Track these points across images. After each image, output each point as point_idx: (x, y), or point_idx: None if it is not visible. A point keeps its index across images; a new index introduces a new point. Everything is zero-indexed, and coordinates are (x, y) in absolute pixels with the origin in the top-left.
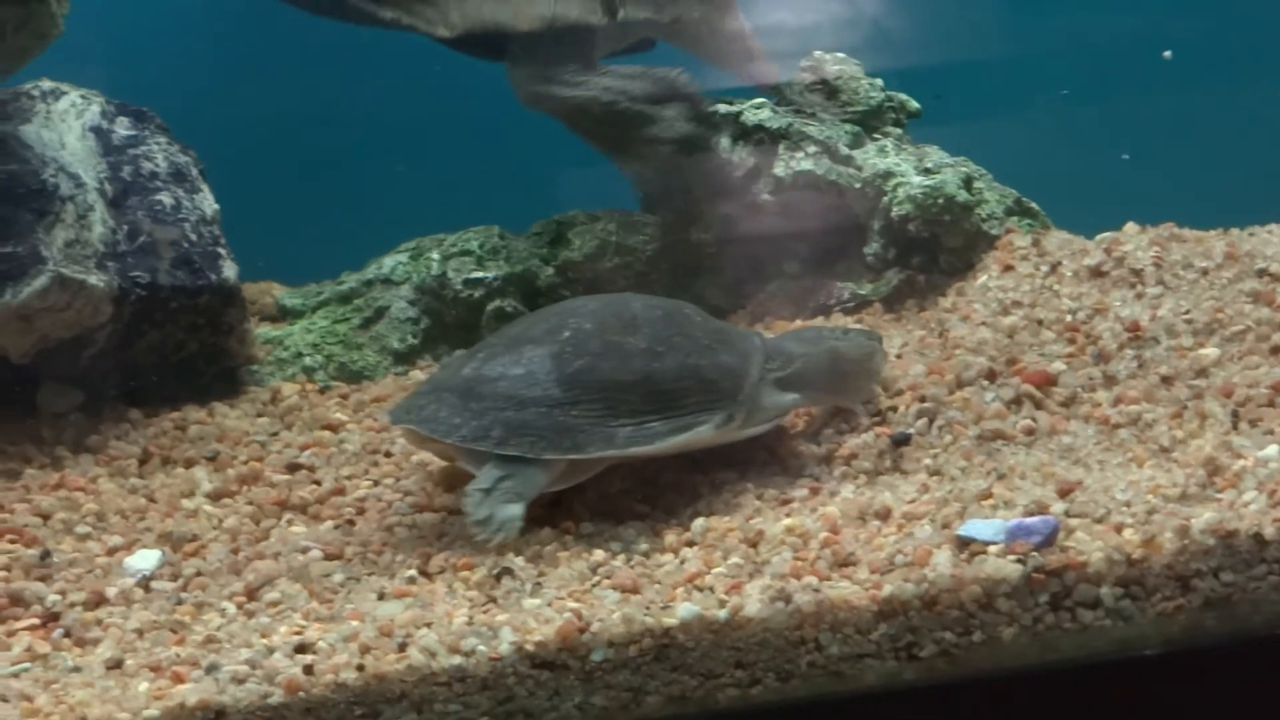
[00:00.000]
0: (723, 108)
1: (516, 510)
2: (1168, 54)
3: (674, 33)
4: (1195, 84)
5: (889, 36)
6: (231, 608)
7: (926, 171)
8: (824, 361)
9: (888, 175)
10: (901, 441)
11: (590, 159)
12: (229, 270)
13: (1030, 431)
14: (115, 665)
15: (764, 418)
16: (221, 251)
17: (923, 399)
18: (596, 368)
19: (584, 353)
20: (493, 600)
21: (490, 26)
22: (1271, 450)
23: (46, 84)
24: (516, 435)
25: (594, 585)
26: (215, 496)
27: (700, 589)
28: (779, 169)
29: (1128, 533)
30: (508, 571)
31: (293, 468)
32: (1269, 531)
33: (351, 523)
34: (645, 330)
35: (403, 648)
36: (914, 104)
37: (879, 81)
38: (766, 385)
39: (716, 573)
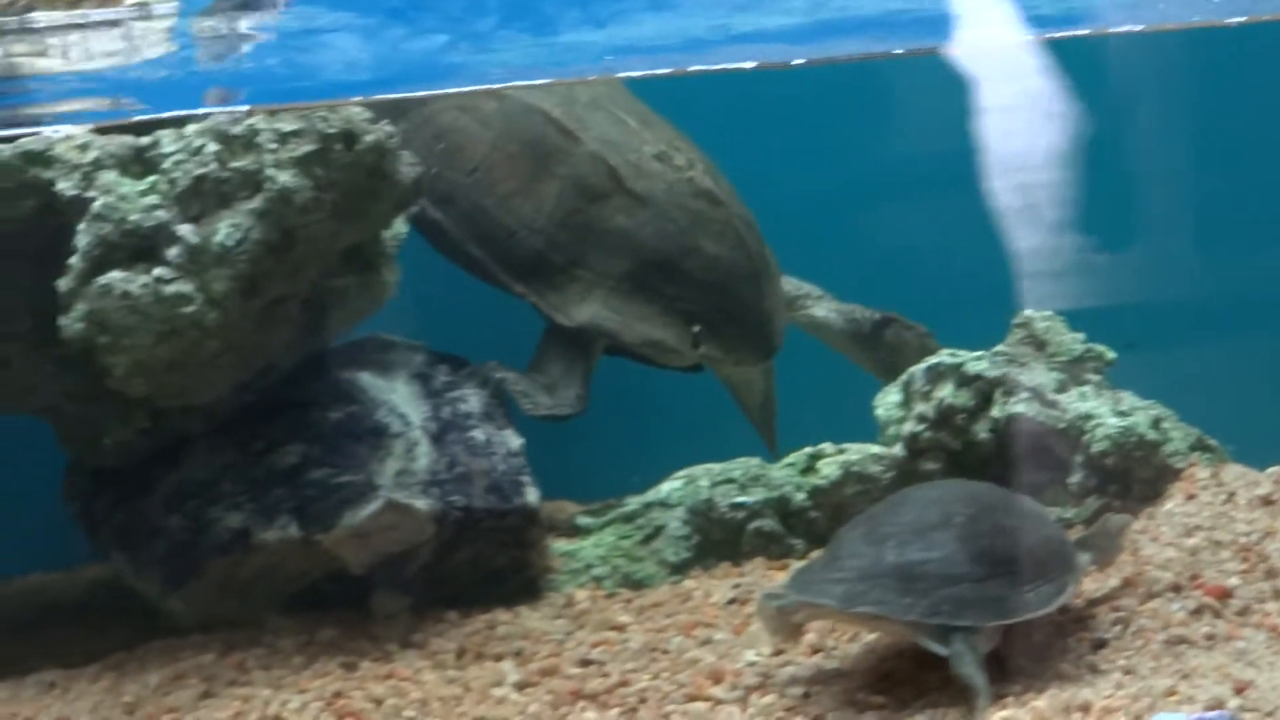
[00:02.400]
0: (947, 359)
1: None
2: None
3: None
4: None
5: (1092, 272)
6: None
7: (1121, 414)
8: (1099, 528)
9: (1088, 417)
10: (1100, 645)
11: (837, 395)
12: (531, 495)
13: (1210, 638)
14: None
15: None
16: (525, 479)
17: (1117, 609)
18: (995, 546)
19: (980, 534)
20: None
21: (602, 330)
22: None
23: (380, 338)
24: (962, 609)
25: None
26: (520, 686)
27: None
28: (996, 411)
29: None
30: None
31: (585, 662)
32: None
33: (635, 710)
34: (1005, 510)
35: None
36: (1110, 354)
37: (1080, 335)
38: None
39: None
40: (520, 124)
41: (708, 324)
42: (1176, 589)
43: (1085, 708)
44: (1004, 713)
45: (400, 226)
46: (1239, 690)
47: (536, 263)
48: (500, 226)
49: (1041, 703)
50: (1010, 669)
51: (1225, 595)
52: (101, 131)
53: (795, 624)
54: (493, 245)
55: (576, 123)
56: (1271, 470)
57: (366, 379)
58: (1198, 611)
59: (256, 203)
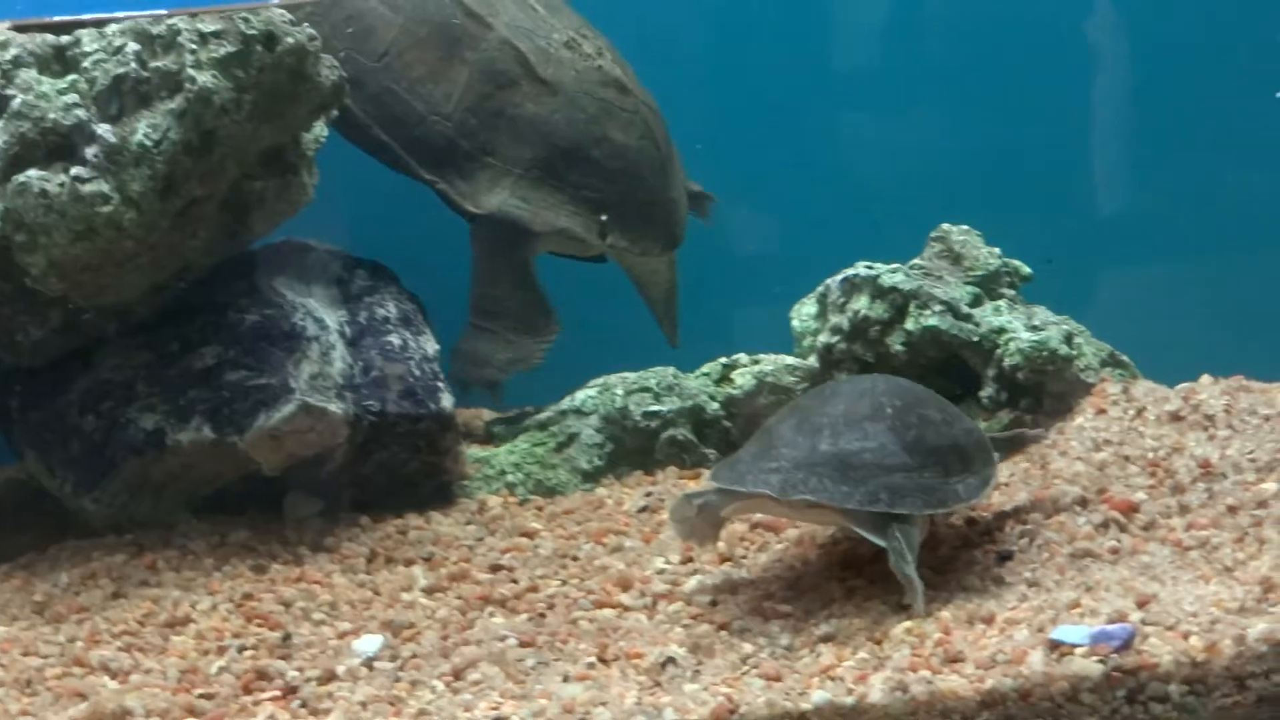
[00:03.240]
0: (863, 271)
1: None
2: None
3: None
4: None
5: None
6: (440, 685)
7: (1034, 328)
8: (1015, 435)
9: (1001, 331)
10: (1006, 558)
11: (755, 307)
12: (446, 401)
13: (1115, 551)
14: None
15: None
16: (440, 385)
17: (1024, 522)
18: (924, 437)
19: (910, 425)
20: (659, 684)
21: (511, 219)
22: None
23: (298, 241)
24: (899, 497)
25: (744, 674)
26: (430, 591)
27: (832, 679)
28: (910, 324)
29: (1193, 639)
30: (672, 660)
31: (495, 568)
32: None
33: (543, 616)
34: (931, 403)
35: None
36: (1026, 269)
37: (996, 250)
38: None
39: (846, 665)
40: (429, 8)
41: (616, 213)
42: (1084, 503)
43: (989, 619)
44: (908, 623)
45: (320, 129)
46: (1141, 604)
47: (445, 149)
48: (410, 111)
49: (946, 613)
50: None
51: (1132, 510)
52: (21, 30)
53: (721, 520)
54: (401, 130)
55: (486, 8)
56: (1181, 386)
57: (283, 282)
58: (1104, 525)
59: (176, 103)
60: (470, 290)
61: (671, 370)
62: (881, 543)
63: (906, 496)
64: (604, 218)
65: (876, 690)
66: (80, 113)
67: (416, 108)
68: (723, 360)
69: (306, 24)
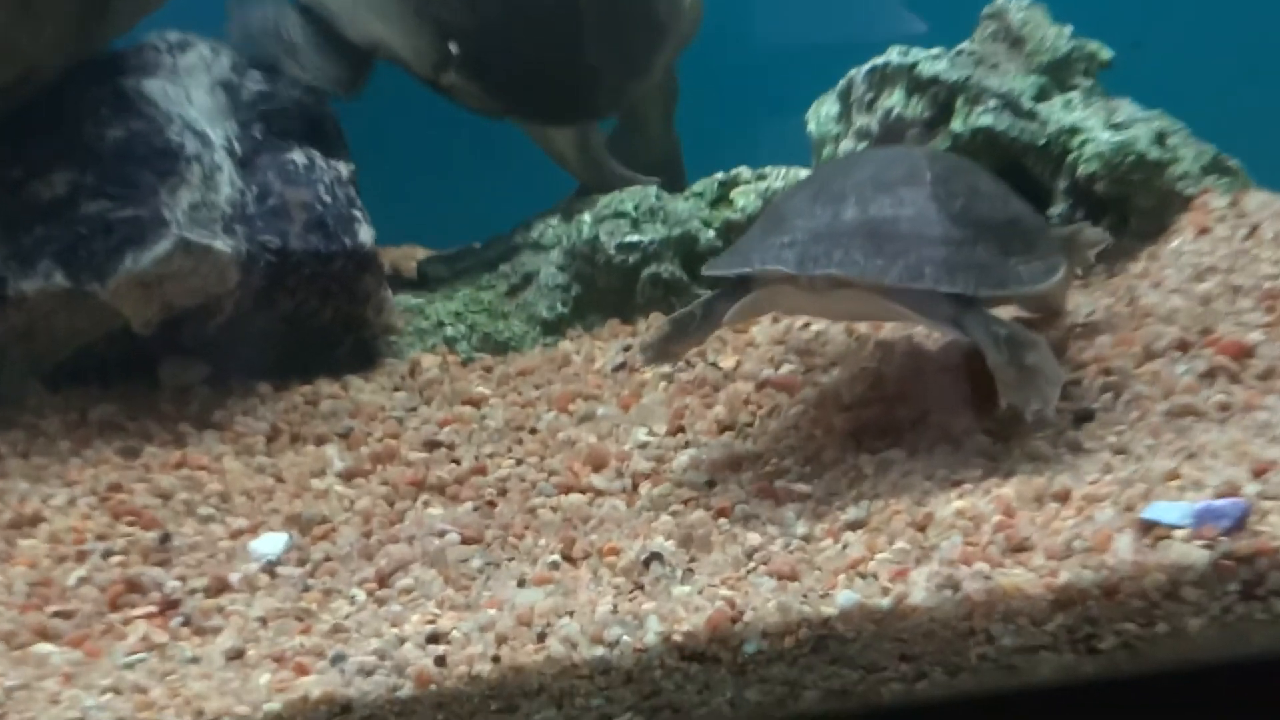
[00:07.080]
0: (896, 58)
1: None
2: None
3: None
4: None
5: None
6: (361, 595)
7: (1116, 127)
8: (1067, 235)
9: (1074, 131)
10: (1084, 418)
11: (762, 113)
12: (365, 234)
13: (1224, 407)
14: (236, 655)
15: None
16: (357, 214)
17: (1108, 372)
18: (974, 208)
19: (956, 193)
20: (639, 587)
21: (325, 9)
22: None
23: (173, 36)
24: (948, 272)
25: (749, 572)
26: (347, 476)
27: (863, 576)
28: (956, 124)
29: None
30: (657, 557)
31: (430, 445)
32: None
33: (492, 504)
34: (983, 175)
35: (542, 638)
36: (1106, 53)
37: (1068, 29)
38: None
39: (881, 558)
40: None
41: (475, 49)
42: (1183, 347)
43: (1063, 495)
44: (959, 503)
45: None
46: (1258, 472)
47: None
48: None
49: (1008, 490)
50: (966, 447)
51: (1244, 354)
52: None
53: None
54: None
55: None
56: None
57: (155, 87)
58: (1209, 375)
59: None
60: None
61: (654, 189)
62: (957, 333)
63: (957, 273)
64: (452, 46)
65: (919, 589)
66: None
67: None
68: (719, 177)
69: None
